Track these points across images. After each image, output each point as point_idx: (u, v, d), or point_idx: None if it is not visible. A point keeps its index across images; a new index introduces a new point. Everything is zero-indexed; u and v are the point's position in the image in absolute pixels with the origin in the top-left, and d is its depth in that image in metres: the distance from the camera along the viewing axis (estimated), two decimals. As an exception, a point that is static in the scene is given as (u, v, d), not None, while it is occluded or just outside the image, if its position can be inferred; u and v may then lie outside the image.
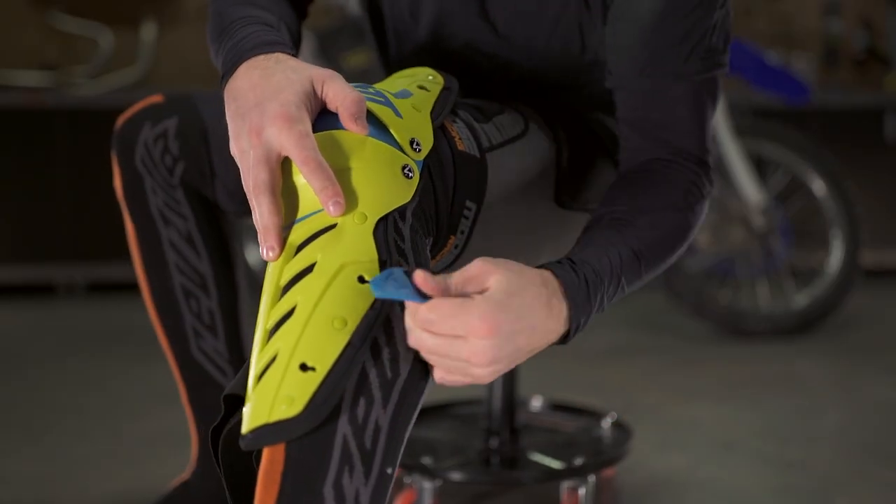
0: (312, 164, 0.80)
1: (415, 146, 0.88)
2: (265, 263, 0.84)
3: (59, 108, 3.36)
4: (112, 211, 3.35)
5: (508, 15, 1.11)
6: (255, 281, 2.80)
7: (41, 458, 1.76)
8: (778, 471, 1.70)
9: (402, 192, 0.84)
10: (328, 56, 3.05)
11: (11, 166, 3.36)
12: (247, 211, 1.22)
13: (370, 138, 0.85)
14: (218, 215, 1.24)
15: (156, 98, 1.19)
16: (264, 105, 0.83)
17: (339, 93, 0.85)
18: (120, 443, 1.85)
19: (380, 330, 0.79)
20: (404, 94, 0.94)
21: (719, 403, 2.14)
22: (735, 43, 2.85)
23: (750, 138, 2.92)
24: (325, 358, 0.76)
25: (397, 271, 0.79)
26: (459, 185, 0.94)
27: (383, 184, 0.83)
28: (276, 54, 0.90)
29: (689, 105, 1.06)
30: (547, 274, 0.85)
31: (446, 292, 0.79)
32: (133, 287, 3.37)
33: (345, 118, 0.84)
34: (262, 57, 0.90)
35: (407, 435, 0.82)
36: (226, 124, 1.15)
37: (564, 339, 0.87)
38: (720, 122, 2.81)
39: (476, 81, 1.17)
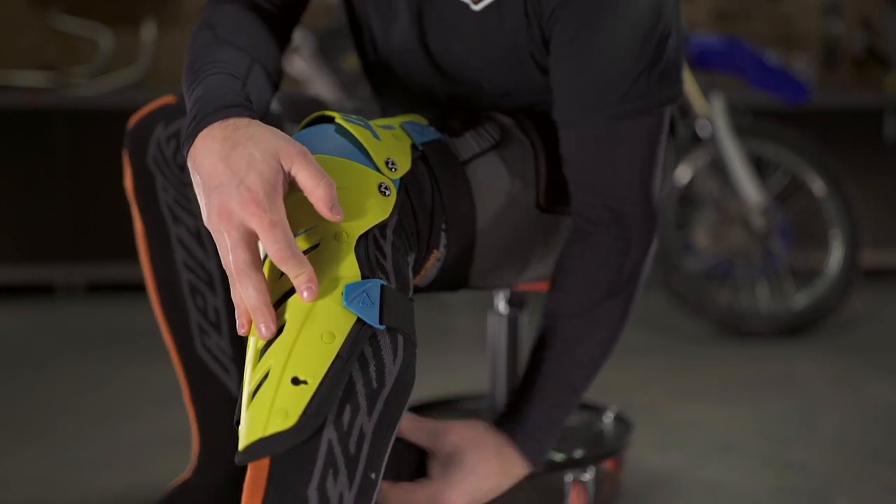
0: (285, 254, 0.79)
1: (390, 166, 0.92)
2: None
3: (59, 108, 3.36)
4: (112, 211, 3.36)
5: (453, 58, 1.13)
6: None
7: (41, 458, 1.76)
8: (778, 471, 1.70)
9: (379, 210, 0.88)
10: (328, 56, 3.05)
11: (11, 166, 3.36)
12: None
13: (346, 160, 0.89)
14: None
15: (168, 98, 1.19)
16: (230, 187, 0.80)
17: (309, 179, 0.83)
18: (119, 443, 1.85)
19: (366, 342, 0.82)
20: (388, 127, 0.99)
21: (719, 404, 2.14)
22: (735, 43, 2.87)
23: (750, 138, 2.91)
24: (315, 371, 0.79)
25: (374, 285, 0.83)
26: (437, 201, 0.98)
27: (361, 203, 0.87)
28: (234, 120, 0.86)
29: (632, 148, 1.07)
30: (502, 443, 1.10)
31: (430, 435, 1.08)
32: (132, 288, 3.39)
33: (320, 208, 0.83)
34: (218, 124, 0.86)
35: (391, 442, 0.85)
36: None
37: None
38: (720, 122, 2.81)
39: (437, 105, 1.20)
